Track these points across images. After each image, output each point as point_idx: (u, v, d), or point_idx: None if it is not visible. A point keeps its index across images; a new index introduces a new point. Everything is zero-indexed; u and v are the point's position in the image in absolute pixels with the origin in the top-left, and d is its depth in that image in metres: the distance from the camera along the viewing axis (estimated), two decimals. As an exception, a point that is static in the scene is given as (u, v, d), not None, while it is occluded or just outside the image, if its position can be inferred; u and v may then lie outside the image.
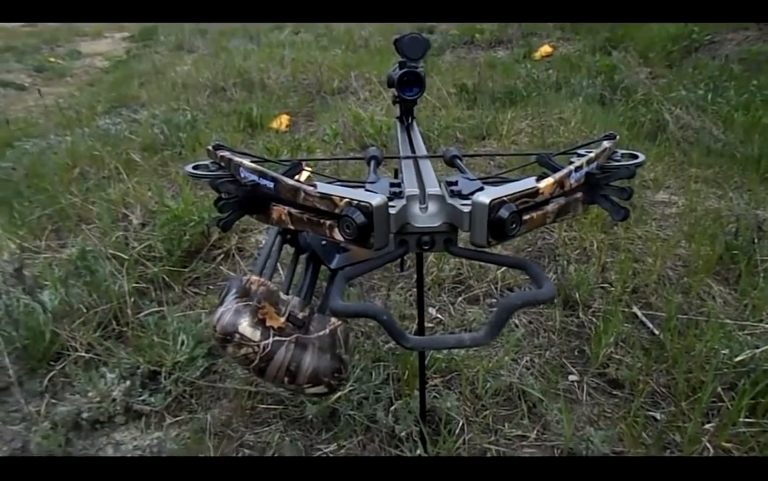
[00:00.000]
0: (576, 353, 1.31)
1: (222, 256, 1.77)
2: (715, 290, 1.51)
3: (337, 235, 0.61)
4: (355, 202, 0.57)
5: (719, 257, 1.64)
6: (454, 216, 0.62)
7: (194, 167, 0.77)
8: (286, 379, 0.66)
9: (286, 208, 0.65)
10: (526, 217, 0.61)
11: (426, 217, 0.63)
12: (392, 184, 0.66)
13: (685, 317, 1.39)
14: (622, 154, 0.77)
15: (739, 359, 1.14)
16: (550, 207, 0.65)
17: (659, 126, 2.65)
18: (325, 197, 0.59)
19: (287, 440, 1.06)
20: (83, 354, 1.29)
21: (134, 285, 1.52)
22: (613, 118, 2.77)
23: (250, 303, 0.66)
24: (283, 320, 0.68)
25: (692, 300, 1.48)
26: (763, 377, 1.09)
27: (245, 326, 0.64)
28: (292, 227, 0.68)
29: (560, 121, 2.67)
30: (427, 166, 0.81)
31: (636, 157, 0.76)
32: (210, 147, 0.74)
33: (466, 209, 0.59)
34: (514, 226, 0.58)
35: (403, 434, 1.02)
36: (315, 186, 0.61)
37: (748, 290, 1.48)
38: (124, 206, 2.05)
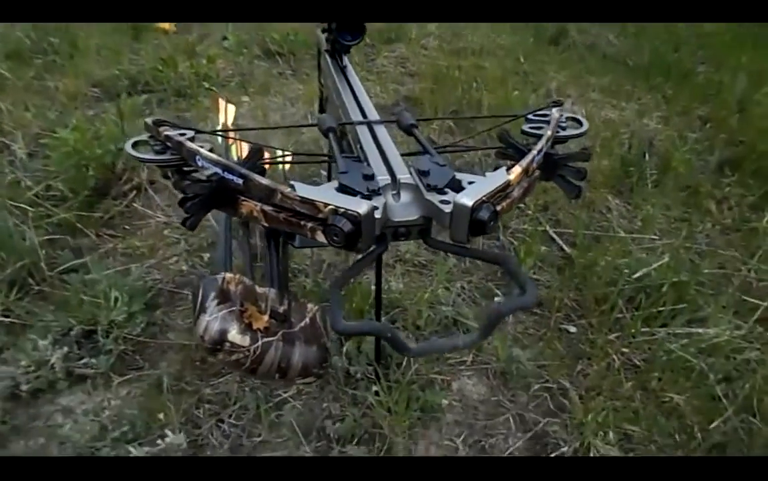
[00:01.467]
0: (499, 275, 1.43)
1: (134, 191, 1.66)
2: (612, 204, 1.70)
3: (320, 237, 0.61)
4: (342, 210, 0.56)
5: (615, 171, 1.83)
6: (432, 212, 0.63)
7: (134, 146, 0.72)
8: (277, 375, 0.69)
9: (259, 205, 0.62)
10: (498, 208, 0.65)
11: (402, 209, 0.63)
12: (365, 176, 0.64)
13: (589, 233, 1.56)
14: (567, 117, 0.84)
15: (637, 276, 1.32)
16: (516, 192, 0.70)
17: (562, 32, 2.76)
18: (307, 202, 0.58)
19: (247, 390, 1.09)
20: (2, 319, 1.20)
21: (44, 237, 1.40)
22: (520, 23, 2.83)
23: (234, 308, 0.67)
24: (266, 317, 0.69)
25: (594, 215, 1.66)
26: (656, 291, 1.29)
27: (234, 333, 0.65)
28: (265, 225, 0.67)
29: (469, 26, 2.68)
30: (383, 134, 0.81)
31: (581, 124, 0.83)
32: (149, 121, 0.69)
33: (447, 208, 0.60)
34: (492, 223, 0.62)
35: (358, 374, 1.10)
36: (293, 187, 0.59)
37: (640, 204, 1.68)
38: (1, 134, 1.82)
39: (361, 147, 0.77)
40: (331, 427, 1.02)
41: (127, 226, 1.56)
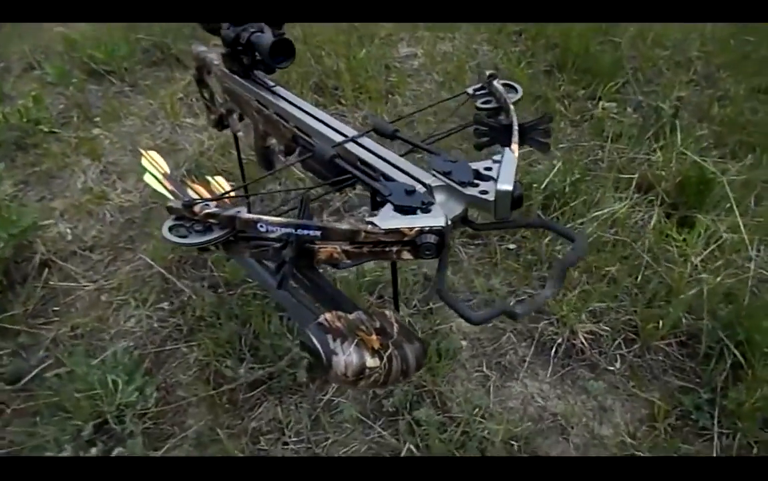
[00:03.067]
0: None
1: (45, 269, 1.50)
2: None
3: (406, 256, 0.71)
4: (427, 228, 0.65)
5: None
6: (475, 202, 0.73)
7: (173, 231, 0.76)
8: (401, 377, 0.79)
9: (338, 246, 0.69)
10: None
11: (449, 208, 0.73)
12: (407, 192, 0.72)
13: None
14: (503, 84, 1.03)
15: (543, 186, 1.61)
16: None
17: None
18: (392, 232, 0.66)
19: (288, 407, 1.15)
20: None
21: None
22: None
23: (354, 339, 0.74)
24: (374, 336, 0.78)
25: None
26: (561, 193, 1.59)
27: (369, 360, 0.72)
28: (348, 262, 0.75)
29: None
30: (375, 146, 0.87)
31: (516, 90, 1.03)
32: (175, 205, 0.72)
33: (490, 197, 0.74)
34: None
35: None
36: (374, 224, 0.67)
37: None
38: None
39: (367, 164, 0.84)
40: (386, 403, 1.14)
41: (57, 308, 1.42)
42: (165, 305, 1.39)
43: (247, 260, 1.17)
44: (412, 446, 1.06)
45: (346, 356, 0.73)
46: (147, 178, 1.23)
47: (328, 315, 0.78)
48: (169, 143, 1.99)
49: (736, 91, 2.18)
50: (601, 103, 2.10)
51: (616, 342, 1.25)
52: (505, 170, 0.75)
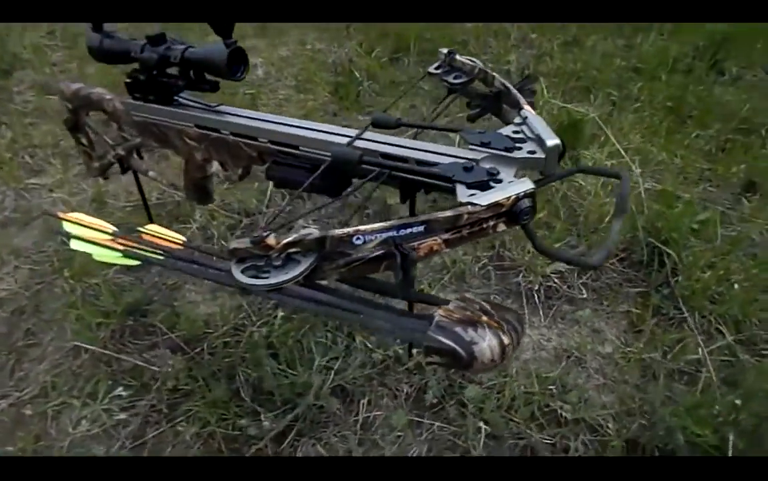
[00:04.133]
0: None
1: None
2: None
3: (501, 227, 0.73)
4: (521, 194, 0.67)
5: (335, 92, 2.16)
6: (527, 164, 0.75)
7: (247, 274, 0.70)
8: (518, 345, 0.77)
9: (439, 238, 0.67)
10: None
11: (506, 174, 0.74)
12: (466, 169, 0.72)
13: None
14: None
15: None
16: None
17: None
18: (492, 206, 0.66)
19: (335, 441, 1.06)
20: None
21: None
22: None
23: (482, 325, 0.71)
24: (485, 317, 0.75)
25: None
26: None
27: (504, 339, 0.70)
28: (446, 251, 0.74)
29: None
30: (394, 138, 0.87)
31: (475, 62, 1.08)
32: (239, 246, 0.67)
33: (542, 155, 0.79)
34: None
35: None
36: (473, 203, 0.66)
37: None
38: None
39: (391, 156, 0.80)
40: (427, 397, 1.11)
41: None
42: (120, 390, 1.15)
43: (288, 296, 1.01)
44: (471, 428, 1.06)
45: (488, 341, 0.71)
46: (79, 246, 1.03)
47: (440, 312, 0.74)
48: (20, 214, 1.63)
49: (550, 47, 2.55)
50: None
51: (576, 274, 1.40)
52: (541, 128, 0.80)
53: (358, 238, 0.68)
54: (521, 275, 1.38)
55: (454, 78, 1.08)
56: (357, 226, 0.67)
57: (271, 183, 1.65)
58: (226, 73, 0.90)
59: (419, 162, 0.79)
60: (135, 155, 1.21)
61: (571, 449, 1.03)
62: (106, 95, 1.13)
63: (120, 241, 1.01)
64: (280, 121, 0.94)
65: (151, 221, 1.24)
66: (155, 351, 1.22)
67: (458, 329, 0.71)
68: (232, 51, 0.88)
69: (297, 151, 0.91)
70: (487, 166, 0.75)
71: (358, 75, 2.28)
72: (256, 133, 0.94)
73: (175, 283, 1.39)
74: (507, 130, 0.85)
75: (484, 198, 0.69)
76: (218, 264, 0.93)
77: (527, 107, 0.91)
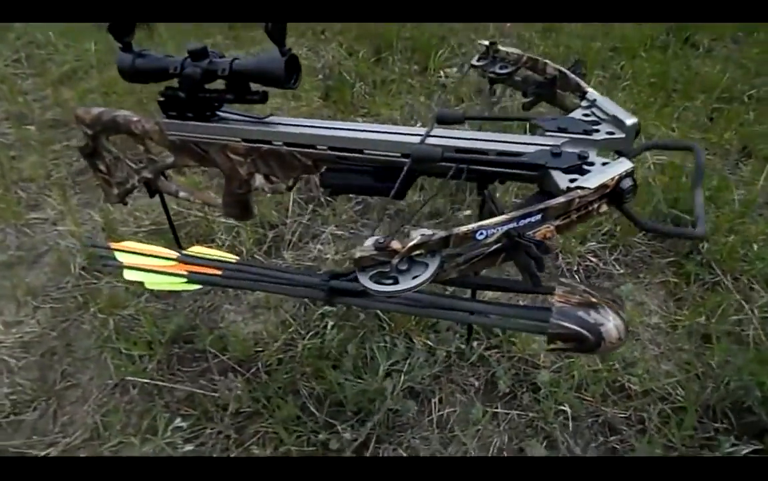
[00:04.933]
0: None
1: None
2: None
3: (603, 208, 0.74)
4: (624, 173, 0.68)
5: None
6: (608, 145, 0.78)
7: (375, 280, 0.69)
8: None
9: (551, 224, 0.68)
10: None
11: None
12: (554, 154, 0.74)
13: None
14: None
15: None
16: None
17: None
18: (599, 188, 0.68)
19: (417, 443, 1.04)
20: None
21: None
22: None
23: (600, 301, 0.71)
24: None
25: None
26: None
27: (624, 314, 0.71)
28: (557, 236, 0.74)
29: None
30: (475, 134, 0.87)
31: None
32: (363, 254, 0.66)
33: (622, 134, 0.81)
34: None
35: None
36: (582, 187, 0.67)
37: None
38: None
39: (468, 150, 0.80)
40: (500, 387, 1.12)
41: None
42: (180, 422, 1.10)
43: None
44: (548, 411, 1.07)
45: (613, 322, 0.72)
46: (133, 275, 1.00)
47: (558, 298, 0.74)
48: (25, 252, 1.54)
49: (529, 36, 2.61)
50: (443, 71, 2.32)
51: (607, 251, 1.43)
52: (614, 108, 0.83)
53: (480, 233, 0.68)
54: (560, 257, 1.40)
55: (500, 68, 1.08)
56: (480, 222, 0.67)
57: (291, 194, 1.63)
58: (284, 81, 0.88)
59: (500, 153, 0.79)
60: (162, 178, 1.17)
61: (646, 420, 1.05)
62: (134, 117, 1.09)
63: (185, 265, 0.98)
64: (335, 126, 0.93)
65: (180, 246, 1.20)
66: (208, 376, 1.18)
67: (581, 313, 0.72)
68: (288, 59, 0.86)
69: (360, 155, 0.89)
70: (570, 150, 0.75)
71: (348, 77, 2.26)
72: (314, 140, 0.92)
73: (212, 305, 1.35)
74: (577, 114, 0.86)
75: (590, 181, 0.70)
76: (303, 278, 0.91)
77: (591, 90, 0.92)
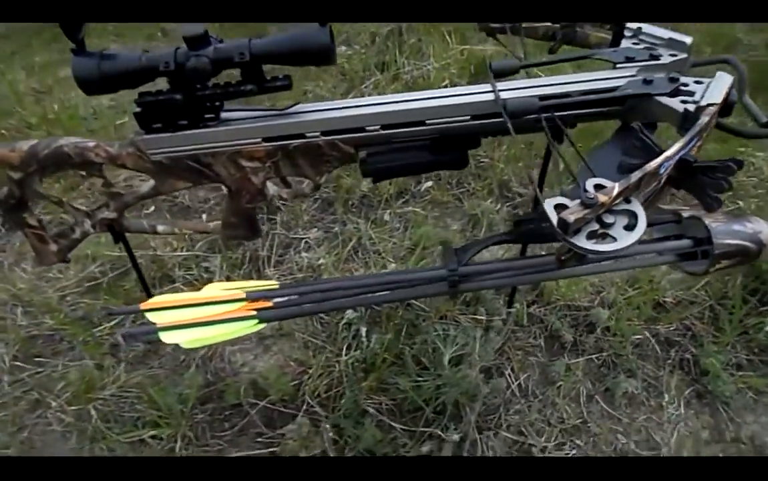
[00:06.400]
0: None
1: None
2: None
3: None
4: (731, 85, 0.70)
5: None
6: (676, 66, 0.77)
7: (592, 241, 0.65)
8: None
9: (699, 142, 0.66)
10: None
11: None
12: (671, 80, 0.72)
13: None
14: None
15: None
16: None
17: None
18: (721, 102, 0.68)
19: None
20: None
21: None
22: None
23: (744, 212, 0.73)
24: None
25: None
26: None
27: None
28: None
29: None
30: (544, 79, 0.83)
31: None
32: (580, 214, 0.59)
33: (685, 54, 0.83)
34: None
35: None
36: (712, 104, 0.66)
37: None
38: None
39: (558, 95, 0.75)
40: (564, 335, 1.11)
41: None
42: None
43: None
44: (616, 345, 1.09)
45: (765, 226, 0.74)
46: (173, 336, 0.80)
47: (709, 219, 0.74)
48: None
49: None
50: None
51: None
52: (663, 32, 0.85)
53: (663, 167, 0.65)
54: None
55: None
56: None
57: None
58: (330, 55, 0.74)
59: (589, 92, 0.77)
60: (125, 215, 0.94)
61: (690, 326, 1.13)
62: (88, 143, 0.84)
63: (254, 304, 0.79)
64: (382, 101, 0.82)
65: (149, 294, 0.99)
66: (252, 431, 0.98)
67: (737, 227, 0.74)
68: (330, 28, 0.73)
69: (422, 128, 0.80)
70: (659, 75, 0.76)
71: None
72: (363, 121, 0.80)
73: (209, 353, 1.12)
74: (627, 44, 0.87)
75: (712, 96, 0.70)
76: (418, 275, 0.79)
77: (630, 23, 0.92)
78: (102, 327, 1.14)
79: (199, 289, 0.82)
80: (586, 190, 0.59)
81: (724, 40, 1.99)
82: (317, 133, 0.80)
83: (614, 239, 0.61)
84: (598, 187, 0.60)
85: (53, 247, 0.92)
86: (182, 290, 1.19)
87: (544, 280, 1.08)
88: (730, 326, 1.10)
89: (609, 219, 0.62)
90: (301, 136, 0.80)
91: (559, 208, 0.60)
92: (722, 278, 1.19)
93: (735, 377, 1.05)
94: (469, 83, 1.86)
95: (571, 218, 0.59)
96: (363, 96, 1.83)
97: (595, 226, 0.61)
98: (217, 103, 0.79)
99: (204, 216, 1.45)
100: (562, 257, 0.65)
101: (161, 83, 0.73)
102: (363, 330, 1.12)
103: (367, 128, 0.79)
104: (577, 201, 0.60)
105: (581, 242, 0.60)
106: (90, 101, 1.69)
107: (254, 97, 0.76)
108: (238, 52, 0.72)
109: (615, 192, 0.61)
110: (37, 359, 1.09)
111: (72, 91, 1.74)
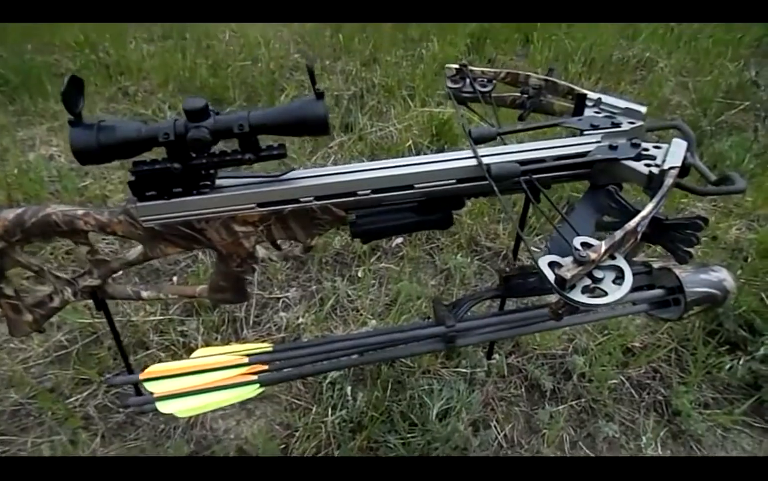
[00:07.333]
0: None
1: None
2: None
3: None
4: (687, 150, 0.81)
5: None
6: (633, 133, 0.91)
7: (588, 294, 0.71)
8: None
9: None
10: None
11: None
12: (633, 146, 0.80)
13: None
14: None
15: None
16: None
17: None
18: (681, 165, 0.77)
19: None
20: None
21: None
22: None
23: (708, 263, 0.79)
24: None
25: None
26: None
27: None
28: None
29: None
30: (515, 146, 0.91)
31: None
32: (574, 271, 0.63)
33: (641, 122, 0.92)
34: None
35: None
36: (674, 167, 0.74)
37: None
38: None
39: (537, 160, 0.81)
40: (543, 384, 1.14)
41: None
42: None
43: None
44: (593, 391, 1.13)
45: (726, 273, 0.81)
46: (170, 406, 0.80)
47: (678, 271, 0.80)
48: None
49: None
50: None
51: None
52: (622, 102, 0.94)
53: (640, 226, 0.71)
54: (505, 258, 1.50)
55: (481, 86, 1.11)
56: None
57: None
58: (325, 126, 0.78)
59: (560, 157, 0.84)
60: (111, 281, 0.93)
61: (658, 368, 1.20)
62: (77, 210, 0.84)
63: (253, 368, 0.79)
64: (370, 167, 0.86)
65: (129, 368, 0.97)
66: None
67: (703, 276, 0.80)
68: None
69: (411, 191, 0.84)
70: (622, 141, 0.83)
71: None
72: (354, 186, 0.83)
73: (189, 420, 1.09)
74: (589, 113, 0.96)
75: (673, 160, 0.78)
76: (413, 333, 0.81)
77: (587, 91, 1.02)
78: (74, 398, 1.09)
79: (180, 355, 0.81)
80: (576, 249, 0.63)
81: (655, 100, 2.16)
82: (311, 198, 0.82)
83: (605, 293, 0.65)
84: (586, 246, 0.65)
85: (28, 317, 0.90)
86: (159, 356, 1.16)
87: (538, 331, 1.10)
88: (695, 367, 1.17)
89: (599, 274, 0.66)
90: (296, 200, 0.82)
91: (553, 266, 0.64)
92: (683, 322, 1.26)
93: (703, 415, 1.11)
94: (431, 143, 1.95)
95: (568, 275, 0.64)
96: (329, 156, 1.89)
97: (588, 282, 0.65)
98: (212, 171, 0.81)
99: (175, 278, 1.42)
100: (559, 311, 0.68)
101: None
102: (348, 389, 1.12)
103: (359, 193, 0.82)
104: (570, 259, 0.64)
105: (578, 296, 0.64)
106: (50, 163, 1.66)
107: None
108: (237, 123, 0.74)
109: (603, 249, 0.65)
110: (1, 437, 1.03)
111: (30, 153, 1.70)
